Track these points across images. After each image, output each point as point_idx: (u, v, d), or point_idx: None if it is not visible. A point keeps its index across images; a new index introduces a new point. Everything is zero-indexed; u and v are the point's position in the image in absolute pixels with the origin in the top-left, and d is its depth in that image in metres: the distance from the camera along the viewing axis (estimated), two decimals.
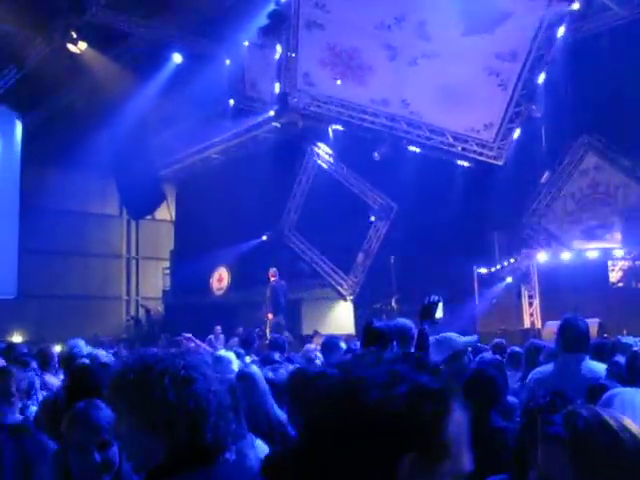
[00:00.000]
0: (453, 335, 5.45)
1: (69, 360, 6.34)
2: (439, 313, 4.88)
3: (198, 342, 9.77)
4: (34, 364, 7.30)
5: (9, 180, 20.79)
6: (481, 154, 16.67)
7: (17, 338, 21.25)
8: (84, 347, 7.21)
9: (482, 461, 2.90)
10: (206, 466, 1.90)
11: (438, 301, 4.87)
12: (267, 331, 15.89)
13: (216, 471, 1.91)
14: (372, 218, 19.09)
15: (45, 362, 7.02)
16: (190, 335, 9.87)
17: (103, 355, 6.67)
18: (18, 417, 4.03)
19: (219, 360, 5.46)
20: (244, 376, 4.33)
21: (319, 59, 16.78)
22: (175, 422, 1.87)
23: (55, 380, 6.56)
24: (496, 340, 8.47)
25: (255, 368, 4.74)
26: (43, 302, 24.38)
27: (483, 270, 15.98)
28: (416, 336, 4.89)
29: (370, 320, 5.00)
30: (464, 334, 6.01)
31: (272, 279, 17.45)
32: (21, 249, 21.28)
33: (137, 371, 1.93)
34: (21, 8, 15.71)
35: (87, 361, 5.74)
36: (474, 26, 14.62)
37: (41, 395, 5.73)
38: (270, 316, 16.55)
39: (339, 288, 19.92)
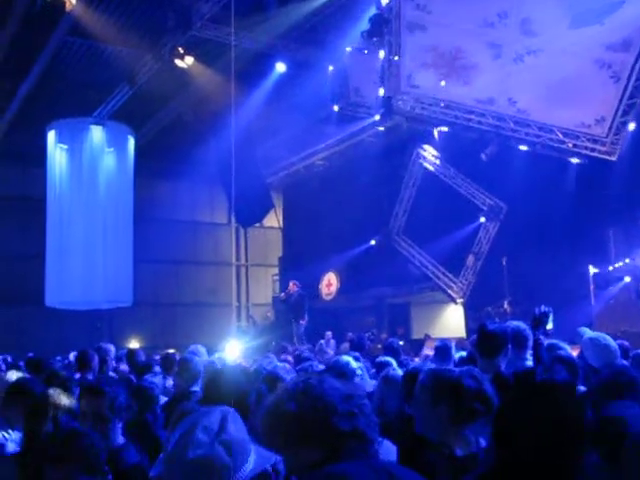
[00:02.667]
0: (609, 339, 5.26)
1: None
2: (549, 325, 4.76)
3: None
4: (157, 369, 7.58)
5: (124, 193, 21.54)
6: (593, 150, 16.12)
7: (134, 344, 22.01)
8: (204, 353, 7.36)
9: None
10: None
11: (549, 312, 4.74)
12: (295, 339, 16.72)
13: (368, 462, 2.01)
14: (482, 219, 18.80)
15: (169, 367, 7.26)
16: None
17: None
18: (120, 440, 3.66)
19: (337, 363, 5.43)
20: (390, 379, 4.35)
21: (422, 61, 16.64)
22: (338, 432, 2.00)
23: None
24: (617, 342, 8.08)
25: (400, 372, 4.70)
26: (156, 310, 25.15)
27: (598, 270, 15.45)
28: (532, 346, 4.76)
29: (484, 323, 4.87)
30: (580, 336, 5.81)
31: (295, 289, 17.79)
32: (135, 258, 21.98)
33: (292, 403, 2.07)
34: (131, 29, 16.29)
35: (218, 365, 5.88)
36: (582, 18, 14.16)
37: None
38: (303, 322, 17.22)
39: (449, 291, 19.69)
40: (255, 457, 2.00)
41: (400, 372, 4.93)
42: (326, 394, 2.05)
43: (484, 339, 4.70)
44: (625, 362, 6.06)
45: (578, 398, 2.44)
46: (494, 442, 2.47)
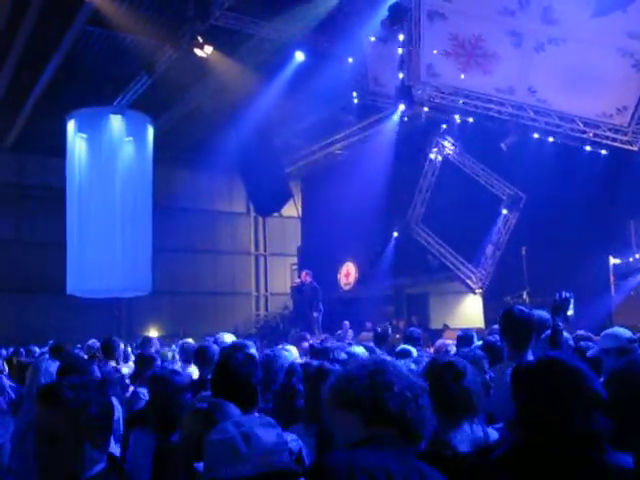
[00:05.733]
0: (620, 329, 5.19)
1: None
2: (570, 311, 4.70)
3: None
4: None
5: (142, 182, 21.60)
6: (614, 140, 15.98)
7: (152, 333, 22.14)
8: (228, 340, 7.33)
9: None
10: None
11: (570, 298, 4.67)
12: (315, 329, 16.62)
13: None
14: (504, 211, 18.58)
15: (187, 356, 7.30)
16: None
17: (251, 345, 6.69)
18: (95, 469, 2.41)
19: (352, 356, 5.42)
20: None
21: (442, 49, 16.55)
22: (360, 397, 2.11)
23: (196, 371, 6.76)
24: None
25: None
26: (175, 298, 25.27)
27: (619, 260, 15.33)
28: (550, 332, 4.70)
29: (510, 307, 4.80)
30: (600, 328, 5.77)
31: (307, 279, 17.79)
32: (154, 247, 22.07)
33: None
34: (150, 19, 16.32)
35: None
36: (604, 6, 13.97)
37: None
38: (316, 314, 17.16)
39: (468, 281, 19.60)
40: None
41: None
42: (388, 372, 2.17)
43: (512, 325, 4.59)
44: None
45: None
46: (519, 422, 2.57)
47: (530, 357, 4.48)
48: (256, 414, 2.29)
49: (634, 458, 2.40)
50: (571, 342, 5.29)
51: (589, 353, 4.90)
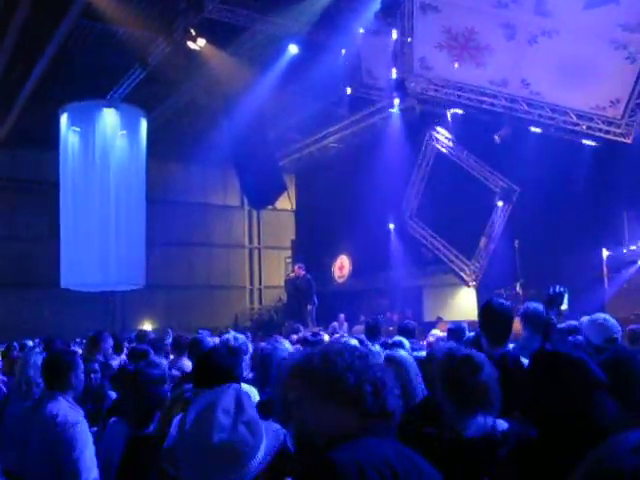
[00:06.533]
0: (607, 317, 5.20)
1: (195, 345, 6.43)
2: (564, 305, 4.69)
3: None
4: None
5: (136, 175, 21.56)
6: (608, 132, 15.98)
7: (147, 326, 22.12)
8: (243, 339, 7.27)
9: None
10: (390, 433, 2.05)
11: (564, 292, 4.66)
12: (309, 322, 16.80)
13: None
14: (499, 203, 18.56)
15: (180, 348, 7.30)
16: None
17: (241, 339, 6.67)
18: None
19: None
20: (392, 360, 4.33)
21: (435, 42, 16.53)
22: (361, 390, 2.00)
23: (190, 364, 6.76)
24: (631, 326, 7.93)
25: (403, 352, 4.67)
26: (169, 292, 25.24)
27: (612, 252, 15.37)
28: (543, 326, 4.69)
29: (491, 300, 4.76)
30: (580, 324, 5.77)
31: (301, 272, 17.88)
32: (148, 241, 22.04)
33: (319, 355, 2.07)
34: (143, 11, 16.24)
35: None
36: None
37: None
38: (310, 307, 17.46)
39: (461, 274, 19.62)
40: (266, 433, 2.01)
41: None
42: (357, 361, 2.08)
43: (491, 318, 4.54)
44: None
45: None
46: (527, 415, 2.68)
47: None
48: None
49: None
50: (580, 338, 5.27)
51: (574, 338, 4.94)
